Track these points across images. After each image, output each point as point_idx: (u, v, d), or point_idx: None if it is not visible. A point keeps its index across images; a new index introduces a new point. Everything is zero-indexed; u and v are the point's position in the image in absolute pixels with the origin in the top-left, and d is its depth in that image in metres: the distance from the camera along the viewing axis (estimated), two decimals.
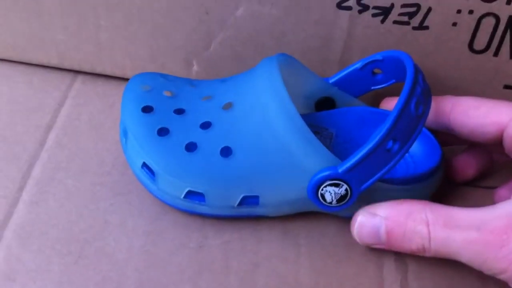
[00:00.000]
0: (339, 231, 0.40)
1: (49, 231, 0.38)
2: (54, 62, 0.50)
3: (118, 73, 0.50)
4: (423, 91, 0.38)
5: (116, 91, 0.49)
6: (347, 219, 0.41)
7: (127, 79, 0.48)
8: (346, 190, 0.37)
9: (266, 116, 0.38)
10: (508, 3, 0.41)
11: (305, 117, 0.43)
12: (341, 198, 0.37)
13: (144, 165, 0.39)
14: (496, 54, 0.44)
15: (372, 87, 0.44)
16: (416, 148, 0.43)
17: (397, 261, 0.39)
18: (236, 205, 0.39)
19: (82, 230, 0.38)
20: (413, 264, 0.39)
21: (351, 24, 0.44)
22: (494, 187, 0.44)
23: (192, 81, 0.43)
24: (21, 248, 0.37)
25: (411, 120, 0.37)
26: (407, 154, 0.43)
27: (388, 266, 0.39)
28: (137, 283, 0.36)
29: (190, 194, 0.39)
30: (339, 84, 0.44)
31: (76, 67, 0.50)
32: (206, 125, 0.39)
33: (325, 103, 0.45)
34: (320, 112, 0.45)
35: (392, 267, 0.39)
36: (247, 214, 0.40)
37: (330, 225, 0.41)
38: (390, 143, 0.36)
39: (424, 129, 0.43)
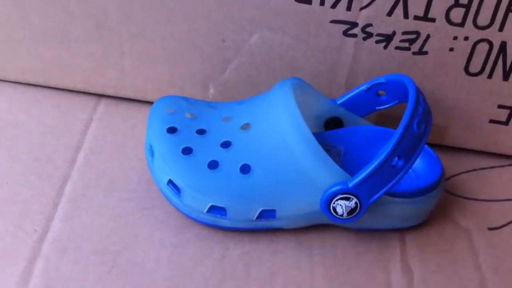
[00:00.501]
0: (349, 241, 0.44)
1: (83, 244, 0.41)
2: (79, 86, 0.53)
3: (139, 96, 0.53)
4: (424, 111, 0.41)
5: (137, 113, 0.52)
6: (356, 231, 0.44)
7: (148, 102, 0.52)
8: (356, 203, 0.40)
9: (282, 136, 0.41)
10: (500, 29, 0.45)
11: (315, 135, 0.46)
12: (351, 211, 0.41)
13: (170, 181, 0.42)
14: (490, 76, 0.48)
15: (377, 107, 0.47)
16: (418, 163, 0.47)
17: (404, 268, 0.42)
18: (254, 218, 0.42)
19: (113, 243, 0.42)
20: (418, 270, 0.42)
21: (356, 50, 0.48)
22: (488, 200, 0.48)
23: (211, 103, 0.47)
24: (58, 260, 0.40)
25: (414, 138, 0.40)
26: (410, 169, 0.47)
27: (395, 272, 0.42)
28: None
29: (212, 209, 0.42)
30: (346, 105, 0.47)
31: (100, 91, 0.53)
32: (226, 144, 0.43)
33: (333, 123, 0.48)
34: (329, 131, 0.48)
35: (398, 274, 0.42)
36: (265, 227, 0.43)
37: (341, 237, 0.44)
38: (395, 160, 0.40)
39: (425, 146, 0.46)
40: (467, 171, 0.51)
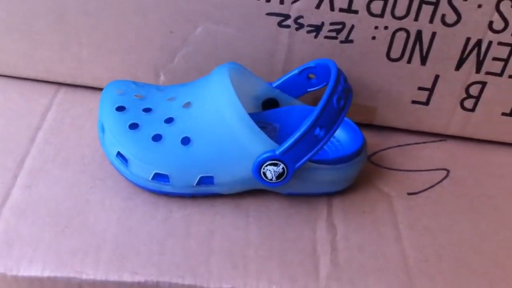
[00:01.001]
0: (282, 205, 0.49)
1: (40, 209, 0.46)
2: (41, 76, 0.58)
3: (96, 84, 0.58)
4: (344, 89, 0.47)
5: (94, 99, 0.57)
6: (287, 196, 0.50)
7: (102, 89, 0.57)
8: (283, 168, 0.46)
9: (219, 112, 0.46)
10: (415, 19, 0.51)
11: (253, 115, 0.52)
12: (279, 175, 0.46)
13: (119, 153, 0.47)
14: (409, 61, 0.54)
15: (308, 89, 0.53)
16: (343, 135, 0.52)
17: (329, 227, 0.48)
18: (195, 184, 0.47)
19: (67, 208, 0.46)
20: (342, 229, 0.48)
21: (290, 39, 0.53)
22: (410, 170, 0.54)
23: (159, 87, 0.52)
24: (17, 222, 0.45)
25: (334, 112, 0.46)
26: (336, 140, 0.53)
27: (320, 231, 0.47)
28: (114, 245, 0.44)
29: (156, 176, 0.47)
30: (281, 87, 0.53)
31: (61, 80, 0.58)
32: (169, 120, 0.48)
33: (270, 103, 0.53)
34: (266, 111, 0.53)
35: (324, 232, 0.47)
36: (205, 192, 0.48)
37: (275, 201, 0.49)
38: (317, 130, 0.45)
39: (349, 120, 0.52)
40: (393, 147, 0.57)
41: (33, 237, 0.44)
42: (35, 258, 0.43)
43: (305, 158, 0.46)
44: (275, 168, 0.46)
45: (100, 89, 0.58)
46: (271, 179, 0.46)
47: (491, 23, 0.51)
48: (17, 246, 0.43)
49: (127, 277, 0.42)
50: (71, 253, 0.43)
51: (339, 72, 0.48)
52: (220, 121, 0.46)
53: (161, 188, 0.47)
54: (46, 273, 0.42)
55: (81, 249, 0.43)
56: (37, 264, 0.42)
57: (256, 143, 0.45)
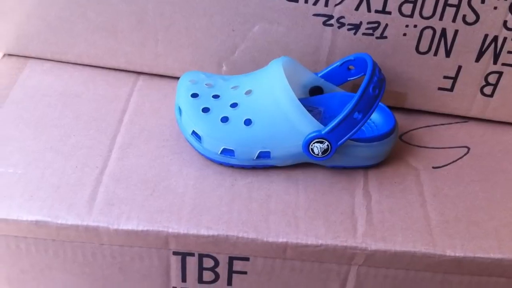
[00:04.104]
0: (325, 175, 0.59)
1: (132, 176, 0.57)
2: (123, 66, 0.69)
3: (169, 73, 0.69)
4: (379, 79, 0.56)
5: (168, 86, 0.68)
6: (330, 168, 0.60)
7: (175, 78, 0.68)
8: (327, 145, 0.56)
9: (275, 98, 0.56)
10: (440, 19, 0.60)
11: (302, 100, 0.62)
12: (324, 151, 0.56)
13: (194, 132, 0.58)
14: (435, 54, 0.63)
15: (348, 78, 0.63)
16: (378, 118, 0.62)
17: (365, 194, 0.58)
18: (255, 158, 0.58)
19: (153, 175, 0.58)
20: (375, 195, 0.58)
21: (333, 36, 0.63)
22: (435, 148, 0.63)
23: (223, 77, 0.62)
24: (114, 186, 0.56)
25: (370, 98, 0.55)
26: (371, 122, 0.63)
27: (358, 197, 0.57)
28: (192, 206, 0.55)
29: (224, 151, 0.58)
30: (325, 77, 0.63)
31: (139, 70, 0.69)
32: (234, 105, 0.58)
33: (316, 90, 0.63)
34: (312, 97, 0.63)
35: (361, 197, 0.57)
36: (263, 164, 0.59)
37: (319, 172, 0.60)
38: (356, 114, 0.55)
39: (383, 105, 0.61)
40: (421, 127, 0.66)
41: (128, 199, 0.55)
42: (131, 215, 0.54)
43: (346, 137, 0.55)
44: (321, 145, 0.56)
45: (173, 78, 0.69)
46: (317, 154, 0.56)
47: (505, 22, 0.60)
48: (116, 206, 0.54)
49: (203, 231, 0.53)
50: (158, 211, 0.54)
51: (375, 65, 0.57)
52: (275, 106, 0.56)
53: (227, 160, 0.58)
54: (140, 227, 0.53)
55: (166, 209, 0.54)
56: (132, 220, 0.53)
57: (305, 124, 0.56)
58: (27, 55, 0.70)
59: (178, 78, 0.64)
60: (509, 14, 0.59)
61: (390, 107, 0.63)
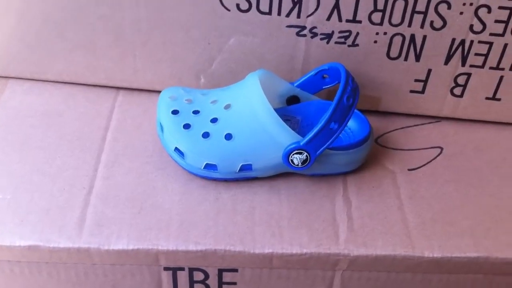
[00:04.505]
0: (306, 183, 0.62)
1: (119, 194, 0.59)
2: (103, 82, 0.70)
3: (148, 87, 0.70)
4: (352, 88, 0.58)
5: (148, 100, 0.69)
6: (311, 176, 0.62)
7: (155, 91, 0.69)
8: (306, 156, 0.58)
9: (253, 112, 0.58)
10: (409, 26, 0.62)
11: (279, 110, 0.64)
12: (304, 162, 0.58)
13: (176, 148, 0.60)
14: (406, 59, 0.65)
15: (323, 87, 0.64)
16: (353, 125, 0.64)
17: (345, 200, 0.60)
18: (237, 171, 0.59)
19: (139, 193, 0.59)
20: (355, 201, 0.60)
21: (307, 45, 0.65)
22: (410, 150, 0.66)
23: (202, 91, 0.64)
24: (102, 206, 0.58)
25: (345, 108, 0.57)
26: (348, 129, 0.65)
27: (338, 203, 0.60)
28: (179, 222, 0.57)
29: (207, 166, 0.59)
30: (301, 86, 0.64)
31: (119, 85, 0.71)
32: (214, 120, 0.60)
33: (292, 100, 0.65)
34: (289, 106, 0.65)
35: (341, 204, 0.60)
36: (245, 177, 0.61)
37: (300, 181, 0.62)
38: (332, 124, 0.57)
39: (358, 111, 0.64)
40: (395, 129, 0.69)
41: (117, 218, 0.57)
42: (121, 234, 0.55)
43: (323, 147, 0.58)
44: (300, 156, 0.58)
45: (152, 91, 0.70)
46: (297, 165, 0.58)
47: (471, 26, 0.62)
48: (106, 226, 0.56)
49: (192, 247, 0.55)
50: (147, 229, 0.56)
51: (348, 75, 0.59)
52: (254, 119, 0.58)
53: (211, 174, 0.60)
54: (131, 246, 0.55)
55: (154, 226, 0.56)
56: (122, 239, 0.55)
57: (284, 136, 0.57)
58: (7, 75, 0.71)
59: (157, 91, 0.66)
60: (475, 19, 0.61)
61: (365, 111, 0.65)
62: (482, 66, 0.65)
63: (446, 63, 0.65)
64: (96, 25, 0.65)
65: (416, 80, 0.67)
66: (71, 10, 0.64)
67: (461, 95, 0.67)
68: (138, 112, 0.68)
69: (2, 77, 0.71)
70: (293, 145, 0.57)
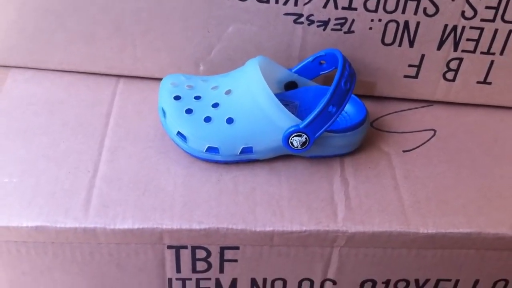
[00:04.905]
0: (305, 165, 0.63)
1: (123, 177, 0.60)
2: (104, 70, 0.72)
3: (148, 75, 0.72)
4: (349, 74, 0.60)
5: (148, 87, 0.71)
6: (309, 158, 0.64)
7: (155, 79, 0.71)
8: (306, 138, 0.60)
9: (253, 96, 0.60)
10: (403, 12, 0.64)
11: (278, 95, 0.65)
12: (303, 144, 0.60)
13: (179, 133, 0.61)
14: (400, 45, 0.67)
15: (321, 73, 0.66)
16: (350, 109, 0.66)
17: (342, 180, 0.62)
18: (238, 153, 0.61)
19: (143, 175, 0.61)
20: (352, 181, 0.62)
21: (304, 33, 0.67)
22: (404, 132, 0.68)
23: (203, 77, 0.65)
24: (107, 188, 0.59)
25: (342, 92, 0.59)
26: (345, 113, 0.67)
27: (336, 183, 0.62)
28: (182, 202, 0.58)
29: (209, 149, 0.61)
30: (298, 72, 0.66)
31: (119, 73, 0.72)
32: (215, 105, 0.61)
33: (290, 85, 0.67)
34: (288, 91, 0.67)
35: (339, 184, 0.62)
36: (246, 159, 0.62)
37: (299, 163, 0.64)
38: (330, 107, 0.59)
39: (355, 96, 0.66)
40: (390, 113, 0.71)
41: (122, 200, 0.58)
42: (126, 215, 0.57)
43: (322, 130, 0.59)
44: (299, 138, 0.60)
45: (152, 79, 0.72)
46: (297, 147, 0.60)
47: (463, 12, 0.64)
48: (111, 207, 0.58)
49: (195, 226, 0.57)
50: (151, 209, 0.58)
51: (345, 60, 0.61)
52: (255, 104, 0.60)
53: (212, 157, 0.62)
54: (136, 226, 0.56)
55: (158, 206, 0.58)
56: (128, 220, 0.57)
57: (284, 119, 0.59)
58: (8, 64, 0.72)
59: (157, 79, 0.67)
60: (466, 5, 0.63)
61: (361, 96, 0.67)
62: (474, 51, 0.67)
63: (438, 48, 0.67)
64: (96, 15, 0.67)
65: (410, 66, 0.69)
66: (72, 1, 0.66)
67: (453, 80, 0.70)
68: (139, 99, 0.70)
69: (4, 66, 0.73)
70: (293, 128, 0.59)
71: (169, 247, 0.58)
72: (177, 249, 0.59)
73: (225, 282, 0.62)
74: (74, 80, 0.72)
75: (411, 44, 0.67)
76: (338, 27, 0.66)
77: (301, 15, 0.65)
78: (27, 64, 0.72)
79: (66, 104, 0.69)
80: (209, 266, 0.61)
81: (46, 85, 0.71)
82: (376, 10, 0.64)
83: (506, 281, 0.64)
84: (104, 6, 0.66)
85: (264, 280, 0.62)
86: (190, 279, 0.62)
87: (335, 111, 0.59)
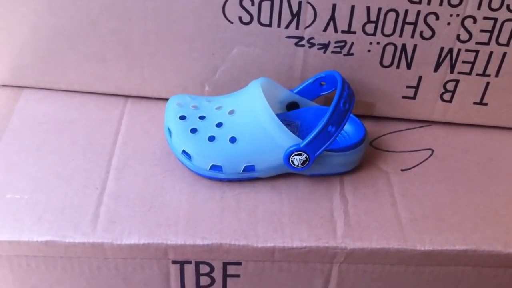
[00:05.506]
0: (306, 183, 0.65)
1: (130, 194, 0.63)
2: (113, 91, 0.75)
3: (155, 95, 0.74)
4: (348, 94, 0.62)
5: (155, 107, 0.73)
6: (310, 176, 0.66)
7: (162, 99, 0.73)
8: (306, 157, 0.62)
9: (256, 116, 0.62)
10: (400, 36, 0.67)
11: (280, 115, 0.68)
12: (303, 162, 0.62)
13: (184, 151, 0.64)
14: (398, 67, 0.69)
15: (321, 93, 0.69)
16: (349, 128, 0.69)
17: (342, 198, 0.64)
18: (241, 171, 0.63)
19: (149, 193, 0.63)
20: (351, 199, 0.64)
21: (305, 55, 0.69)
22: (403, 151, 0.70)
23: (207, 98, 0.68)
24: (115, 205, 0.61)
25: (341, 113, 0.61)
26: (344, 132, 0.69)
27: (335, 201, 0.64)
28: (187, 219, 0.60)
29: (213, 167, 0.63)
30: (300, 93, 0.69)
31: (127, 93, 0.75)
32: (219, 125, 0.64)
33: (292, 106, 0.69)
34: (289, 112, 0.69)
35: (338, 202, 0.64)
36: (249, 177, 0.65)
37: (300, 181, 0.66)
38: (330, 127, 0.61)
39: (354, 116, 0.68)
40: (389, 133, 0.73)
41: (128, 216, 0.61)
42: (132, 230, 0.59)
43: (322, 149, 0.62)
44: (300, 157, 0.62)
45: (159, 99, 0.74)
46: (297, 165, 0.62)
47: (458, 35, 0.66)
48: (118, 223, 0.60)
49: (199, 241, 0.59)
50: (157, 225, 0.60)
51: (344, 82, 0.63)
52: (257, 123, 0.62)
53: (216, 175, 0.64)
54: (142, 241, 0.59)
55: (164, 222, 0.60)
56: (134, 235, 0.59)
57: (285, 139, 0.61)
58: (21, 85, 0.75)
59: (164, 99, 0.70)
60: (462, 29, 0.66)
61: (360, 116, 0.70)
62: (470, 73, 0.69)
63: (435, 70, 0.69)
64: (106, 37, 0.70)
65: (408, 87, 0.71)
66: (83, 24, 0.69)
67: (450, 100, 0.72)
68: (146, 119, 0.72)
69: (17, 86, 0.75)
70: (294, 147, 0.61)
71: (174, 262, 0.61)
72: (182, 264, 0.61)
73: None
74: (85, 100, 0.74)
75: (409, 66, 0.69)
76: (338, 49, 0.68)
77: (302, 38, 0.68)
78: (40, 84, 0.75)
79: (76, 124, 0.71)
80: (213, 281, 0.63)
81: (58, 105, 0.74)
82: (374, 34, 0.67)
83: None
84: (114, 28, 0.69)
85: None
86: None
87: (334, 131, 0.61)
